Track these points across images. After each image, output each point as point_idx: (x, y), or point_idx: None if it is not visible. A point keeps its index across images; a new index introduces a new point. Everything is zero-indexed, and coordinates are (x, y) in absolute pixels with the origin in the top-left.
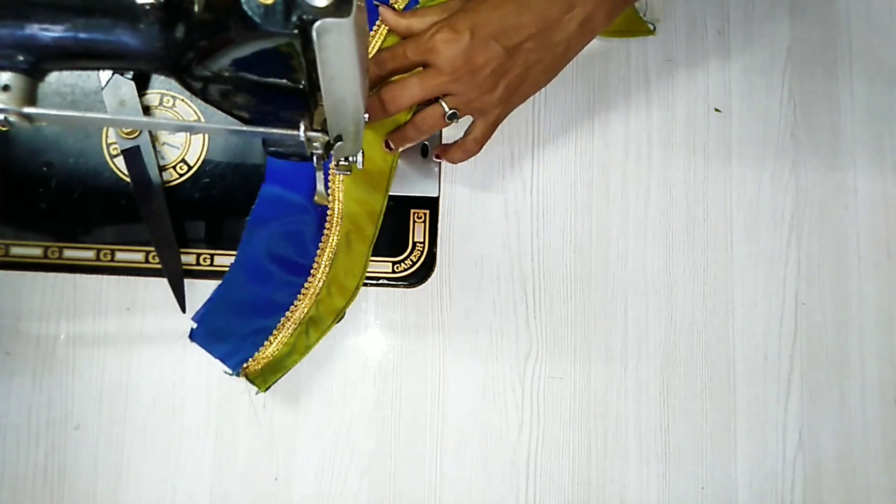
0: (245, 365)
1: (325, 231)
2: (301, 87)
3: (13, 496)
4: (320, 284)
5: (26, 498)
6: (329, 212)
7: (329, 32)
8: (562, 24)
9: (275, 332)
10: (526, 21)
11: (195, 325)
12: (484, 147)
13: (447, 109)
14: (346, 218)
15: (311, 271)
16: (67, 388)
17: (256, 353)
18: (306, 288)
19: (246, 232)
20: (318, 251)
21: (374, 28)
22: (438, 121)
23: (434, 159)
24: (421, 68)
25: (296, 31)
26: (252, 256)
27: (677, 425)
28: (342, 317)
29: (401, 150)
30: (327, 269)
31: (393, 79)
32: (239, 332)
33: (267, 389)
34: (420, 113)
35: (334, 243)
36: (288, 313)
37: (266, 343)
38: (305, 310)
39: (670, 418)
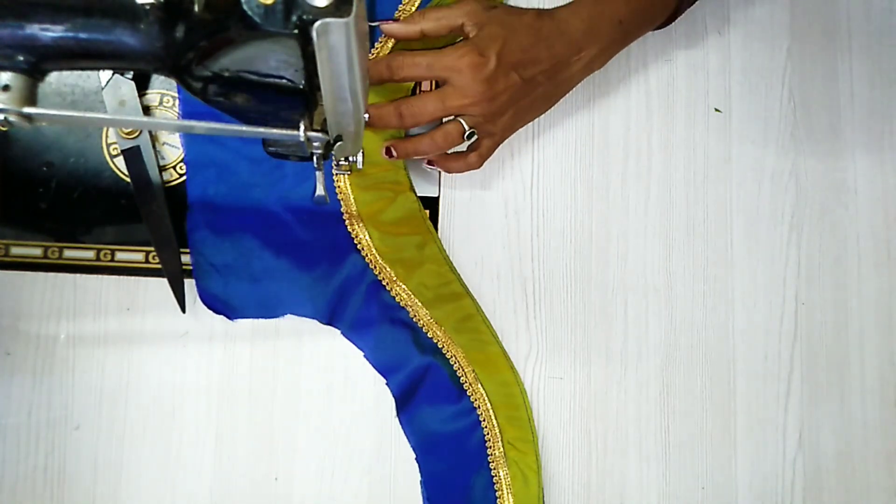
0: None
1: (451, 361)
2: (301, 87)
3: (13, 496)
4: (487, 403)
5: (26, 498)
6: (451, 358)
7: (329, 32)
8: (569, 64)
9: (491, 469)
10: (543, 56)
11: None
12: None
13: (466, 129)
14: (460, 336)
15: (472, 402)
16: (67, 388)
17: (499, 492)
18: (482, 417)
19: (406, 428)
20: (461, 378)
21: (375, 48)
22: (456, 138)
23: (426, 167)
24: (434, 84)
25: (296, 31)
26: (425, 438)
27: (677, 425)
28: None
29: (401, 159)
30: (480, 386)
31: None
32: (474, 497)
33: None
34: (440, 129)
35: (467, 365)
36: (489, 448)
37: (495, 481)
38: (497, 432)
39: (670, 418)
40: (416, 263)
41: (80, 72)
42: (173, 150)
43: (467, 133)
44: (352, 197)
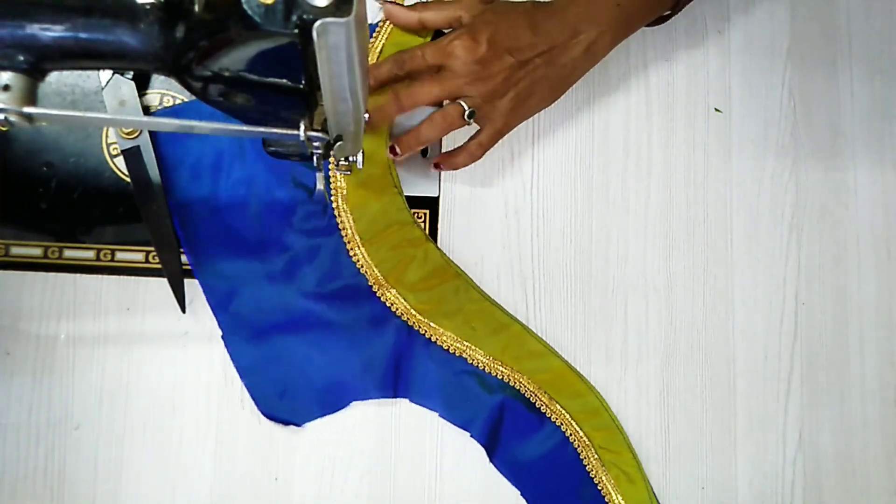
0: None
1: (521, 391)
2: (301, 87)
3: (13, 496)
4: (569, 417)
5: (26, 498)
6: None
7: (329, 32)
8: (568, 47)
9: (593, 478)
10: (538, 40)
11: None
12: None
13: (466, 108)
14: (522, 363)
15: (554, 421)
16: (67, 388)
17: (607, 496)
18: (567, 433)
19: (502, 469)
20: (536, 403)
21: (377, 29)
22: (456, 119)
23: (433, 169)
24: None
25: (296, 31)
26: (522, 470)
27: (677, 425)
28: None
29: (406, 155)
30: (556, 405)
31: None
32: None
33: None
34: (438, 110)
35: (537, 389)
36: (583, 460)
37: (600, 487)
38: (587, 441)
39: (670, 418)
40: (456, 310)
41: (80, 72)
42: None
43: (467, 113)
44: (373, 264)
